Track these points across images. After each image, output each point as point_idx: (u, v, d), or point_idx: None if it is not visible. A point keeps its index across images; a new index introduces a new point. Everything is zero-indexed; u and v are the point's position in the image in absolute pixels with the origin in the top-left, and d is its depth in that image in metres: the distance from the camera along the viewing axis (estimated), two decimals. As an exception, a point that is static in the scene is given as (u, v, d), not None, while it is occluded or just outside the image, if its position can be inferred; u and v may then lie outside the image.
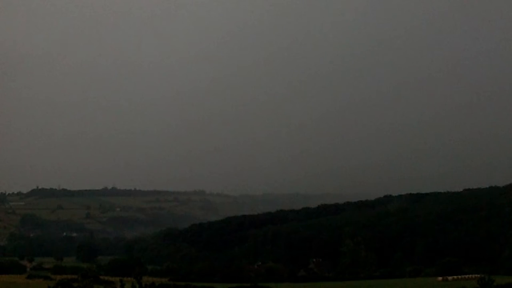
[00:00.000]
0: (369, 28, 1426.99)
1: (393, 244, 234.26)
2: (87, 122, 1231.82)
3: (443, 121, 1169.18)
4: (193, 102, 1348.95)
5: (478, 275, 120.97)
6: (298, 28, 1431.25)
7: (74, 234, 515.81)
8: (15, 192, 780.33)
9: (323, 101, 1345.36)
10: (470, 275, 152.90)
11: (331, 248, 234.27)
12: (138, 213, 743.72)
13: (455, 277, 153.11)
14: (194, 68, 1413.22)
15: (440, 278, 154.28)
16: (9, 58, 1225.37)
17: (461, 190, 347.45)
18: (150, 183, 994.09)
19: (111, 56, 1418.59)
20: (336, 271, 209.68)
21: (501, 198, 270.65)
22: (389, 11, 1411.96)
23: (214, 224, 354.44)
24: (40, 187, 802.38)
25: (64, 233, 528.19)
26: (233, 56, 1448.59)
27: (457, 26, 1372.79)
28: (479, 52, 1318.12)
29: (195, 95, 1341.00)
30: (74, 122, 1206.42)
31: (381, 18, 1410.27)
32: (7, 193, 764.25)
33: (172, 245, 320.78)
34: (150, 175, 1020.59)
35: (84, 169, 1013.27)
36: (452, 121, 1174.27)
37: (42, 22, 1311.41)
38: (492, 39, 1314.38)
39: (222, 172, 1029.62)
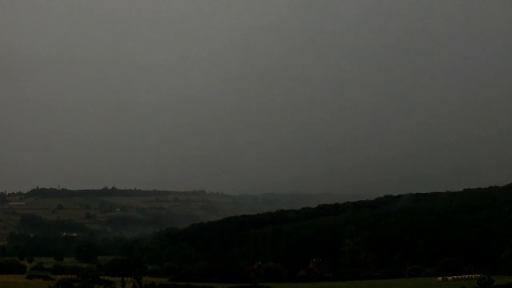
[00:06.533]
0: (372, 31, 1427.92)
1: (393, 244, 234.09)
2: (87, 122, 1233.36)
3: (443, 121, 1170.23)
4: (193, 102, 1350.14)
5: (478, 275, 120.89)
6: (299, 30, 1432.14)
7: (74, 234, 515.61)
8: (15, 192, 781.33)
9: (324, 101, 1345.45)
10: (470, 275, 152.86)
11: (331, 248, 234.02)
12: (138, 213, 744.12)
13: (455, 277, 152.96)
14: (195, 69, 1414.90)
15: (440, 278, 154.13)
16: (10, 58, 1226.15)
17: (461, 190, 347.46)
18: (150, 183, 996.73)
19: (111, 57, 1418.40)
20: (336, 271, 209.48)
21: (501, 198, 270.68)
22: (391, 13, 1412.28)
23: (214, 224, 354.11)
24: (40, 187, 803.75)
25: (64, 233, 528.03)
26: (233, 58, 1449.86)
27: (458, 29, 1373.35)
28: (479, 54, 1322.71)
29: (195, 95, 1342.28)
30: (74, 122, 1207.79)
31: (385, 21, 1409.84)
32: (7, 193, 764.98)
33: (172, 245, 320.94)
34: (150, 175, 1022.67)
35: (84, 169, 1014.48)
36: (452, 121, 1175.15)
37: (43, 22, 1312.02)
38: (492, 41, 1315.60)
39: (222, 172, 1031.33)
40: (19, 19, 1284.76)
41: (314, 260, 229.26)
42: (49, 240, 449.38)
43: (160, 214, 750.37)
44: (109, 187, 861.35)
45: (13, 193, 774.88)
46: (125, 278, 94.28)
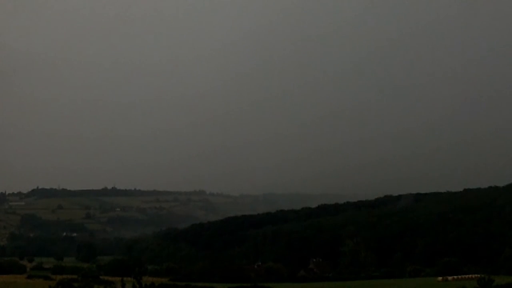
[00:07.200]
0: (372, 31, 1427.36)
1: (393, 244, 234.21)
2: (87, 122, 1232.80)
3: (443, 121, 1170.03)
4: (193, 102, 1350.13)
5: (478, 275, 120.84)
6: (299, 30, 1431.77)
7: (74, 234, 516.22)
8: (15, 192, 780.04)
9: (324, 101, 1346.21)
10: (470, 275, 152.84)
11: (331, 248, 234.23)
12: (138, 213, 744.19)
13: (455, 277, 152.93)
14: (195, 69, 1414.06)
15: (440, 278, 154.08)
16: (10, 58, 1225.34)
17: (461, 190, 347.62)
18: (150, 183, 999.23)
19: (111, 57, 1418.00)
20: (336, 271, 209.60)
21: (501, 198, 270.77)
22: (391, 13, 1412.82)
23: (214, 224, 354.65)
24: (40, 187, 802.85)
25: (64, 233, 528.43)
26: (233, 58, 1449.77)
27: (457, 29, 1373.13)
28: (479, 54, 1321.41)
29: (195, 96, 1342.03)
30: (74, 122, 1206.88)
31: (385, 20, 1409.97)
32: (7, 193, 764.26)
33: (172, 245, 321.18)
34: (150, 175, 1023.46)
35: (84, 169, 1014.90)
36: (452, 121, 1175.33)
37: (43, 22, 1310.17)
38: (492, 41, 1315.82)
39: (222, 172, 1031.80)
40: (18, 17, 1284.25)
41: (314, 260, 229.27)
42: (49, 240, 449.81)
43: (160, 214, 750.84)
44: (109, 187, 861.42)
45: (13, 193, 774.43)
46: (125, 278, 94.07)
